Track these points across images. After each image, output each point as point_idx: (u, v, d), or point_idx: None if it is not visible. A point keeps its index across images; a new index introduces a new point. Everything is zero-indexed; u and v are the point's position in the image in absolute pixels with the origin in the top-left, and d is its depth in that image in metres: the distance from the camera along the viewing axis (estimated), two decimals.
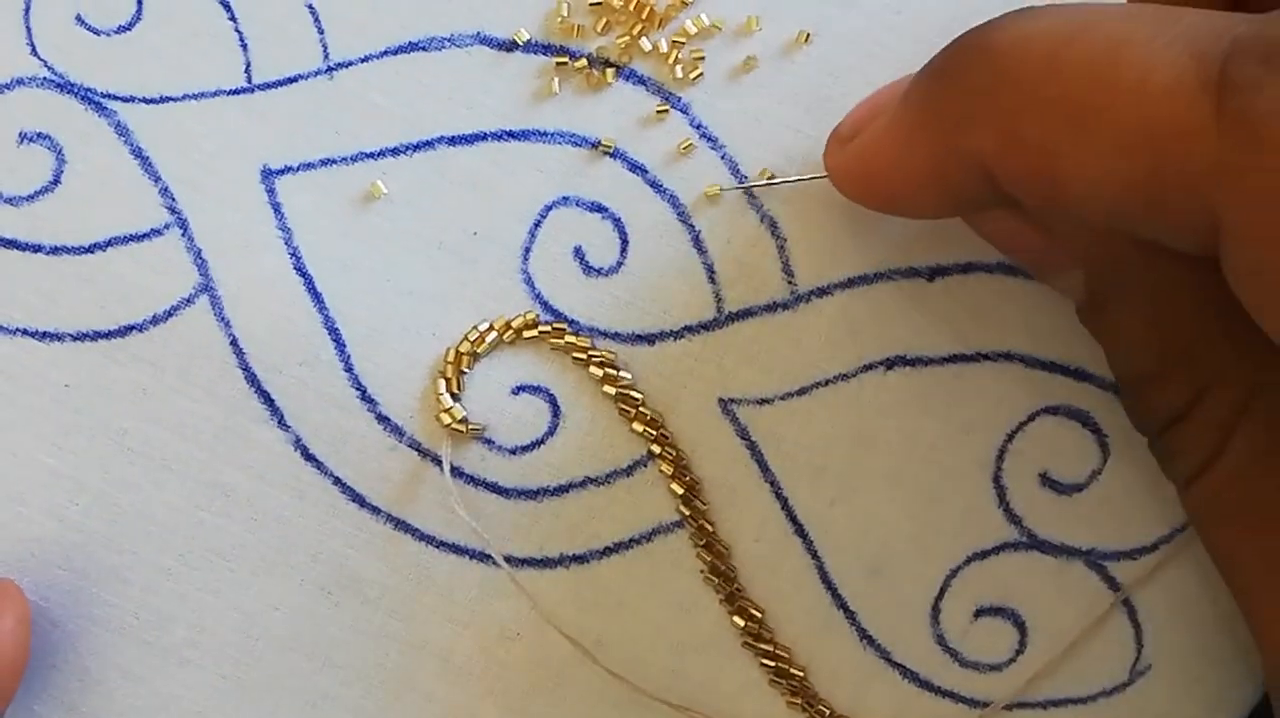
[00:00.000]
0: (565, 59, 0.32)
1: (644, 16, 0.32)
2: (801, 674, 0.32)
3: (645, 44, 0.32)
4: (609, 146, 0.32)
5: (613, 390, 0.32)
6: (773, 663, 0.31)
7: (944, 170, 0.27)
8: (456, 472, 0.32)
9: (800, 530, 0.32)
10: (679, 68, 0.32)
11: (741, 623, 0.32)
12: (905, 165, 0.27)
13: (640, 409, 0.31)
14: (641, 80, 0.32)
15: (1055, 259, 0.29)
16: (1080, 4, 0.25)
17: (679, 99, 0.32)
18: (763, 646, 0.31)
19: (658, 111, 0.32)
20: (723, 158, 0.32)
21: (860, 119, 0.29)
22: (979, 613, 0.32)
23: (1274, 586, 0.27)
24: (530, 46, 0.32)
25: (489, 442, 0.32)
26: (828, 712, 0.31)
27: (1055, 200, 0.25)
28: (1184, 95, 0.22)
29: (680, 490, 0.31)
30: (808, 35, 0.31)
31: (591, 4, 0.32)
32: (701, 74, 0.32)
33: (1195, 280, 0.27)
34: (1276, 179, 0.21)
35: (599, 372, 0.31)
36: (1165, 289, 0.27)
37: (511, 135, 0.32)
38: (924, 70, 0.27)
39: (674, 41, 0.32)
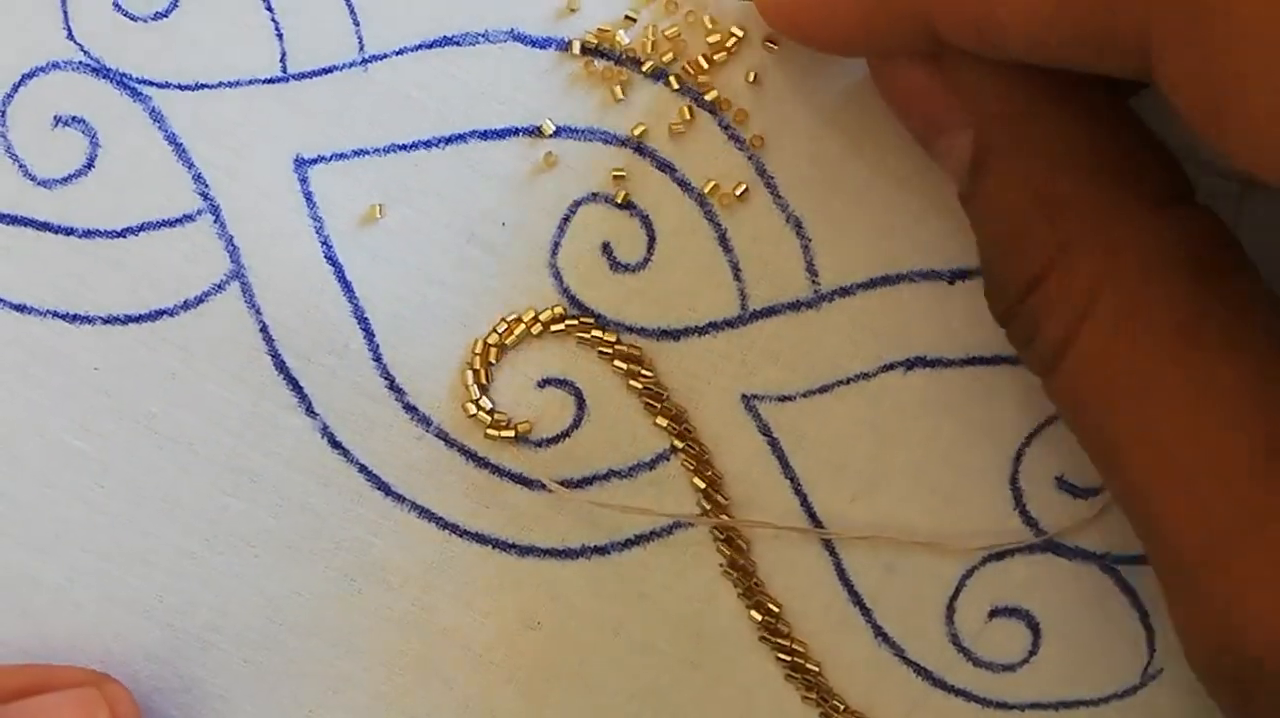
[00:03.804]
0: (597, 57, 0.32)
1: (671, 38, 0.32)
2: (817, 669, 0.31)
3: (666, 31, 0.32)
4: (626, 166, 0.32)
5: (638, 385, 0.31)
6: (789, 658, 0.31)
7: (878, 15, 0.26)
8: (482, 462, 0.31)
9: (819, 527, 0.32)
10: (708, 69, 0.32)
11: (759, 618, 0.32)
12: (838, 7, 0.27)
13: (664, 404, 0.31)
14: (670, 81, 0.32)
15: (949, 118, 0.28)
16: None
17: (710, 102, 0.32)
18: (779, 640, 0.31)
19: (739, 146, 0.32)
20: (750, 159, 0.32)
21: None
22: (993, 613, 0.32)
23: (1155, 462, 0.25)
24: (563, 44, 0.32)
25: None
26: (842, 707, 0.31)
27: (994, 40, 0.24)
28: None
29: (702, 485, 0.31)
30: None
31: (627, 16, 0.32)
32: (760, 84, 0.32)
33: (1080, 136, 0.26)
34: None
35: (624, 366, 0.31)
36: (1047, 144, 0.26)
37: (542, 131, 0.32)
38: None
39: (713, 41, 0.32)
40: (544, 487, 0.31)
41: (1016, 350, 0.28)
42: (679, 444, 0.31)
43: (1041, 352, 0.27)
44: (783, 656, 0.31)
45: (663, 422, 0.31)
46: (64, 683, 0.29)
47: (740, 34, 0.32)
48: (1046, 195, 0.26)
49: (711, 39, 0.32)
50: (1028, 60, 0.25)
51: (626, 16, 0.32)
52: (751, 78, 0.32)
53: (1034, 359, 0.27)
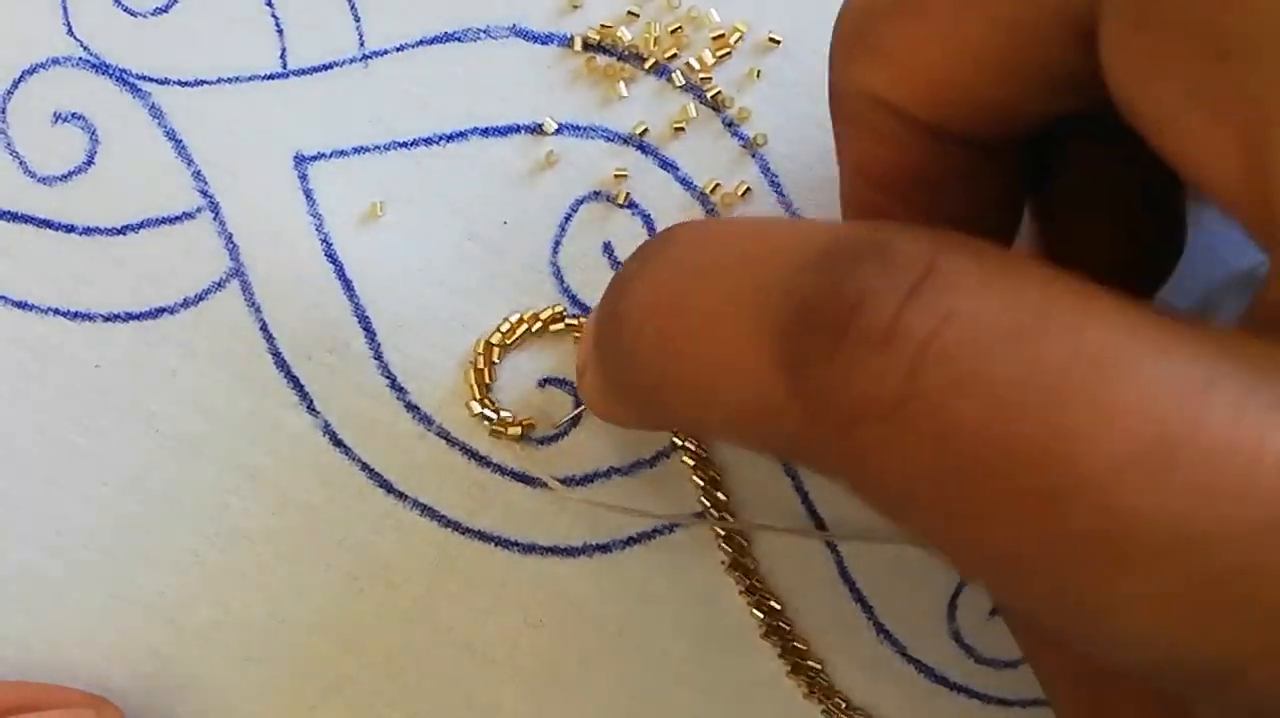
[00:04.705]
0: (599, 54, 0.32)
1: (674, 33, 0.32)
2: (819, 667, 0.31)
3: (664, 32, 0.32)
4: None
5: None
6: (790, 656, 0.31)
7: (649, 422, 0.27)
8: (484, 461, 0.31)
9: (821, 525, 0.31)
10: (710, 66, 0.32)
11: (761, 615, 0.31)
12: (615, 411, 0.27)
13: None
14: (673, 77, 0.32)
15: None
16: (712, 237, 0.23)
17: (712, 99, 0.32)
18: (781, 638, 0.31)
19: (742, 153, 0.32)
20: (753, 156, 0.31)
21: (582, 356, 0.28)
22: (994, 611, 0.31)
23: (1079, 698, 0.26)
24: (565, 41, 0.32)
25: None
26: (844, 704, 0.31)
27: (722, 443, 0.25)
28: (759, 373, 0.20)
29: (702, 483, 0.31)
30: None
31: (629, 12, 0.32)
32: (759, 78, 0.32)
33: None
34: (845, 451, 0.20)
35: None
36: None
37: (544, 129, 0.31)
38: (589, 328, 0.27)
39: (715, 38, 0.32)
40: (545, 485, 0.31)
41: None
42: (679, 442, 0.31)
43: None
44: (784, 654, 0.31)
45: None
46: (60, 703, 0.29)
47: (743, 30, 0.32)
48: None
49: (714, 35, 0.32)
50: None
51: (629, 13, 0.32)
52: (755, 75, 0.32)
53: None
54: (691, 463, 0.31)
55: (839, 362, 0.19)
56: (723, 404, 0.22)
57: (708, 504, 0.31)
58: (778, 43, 0.32)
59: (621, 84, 0.32)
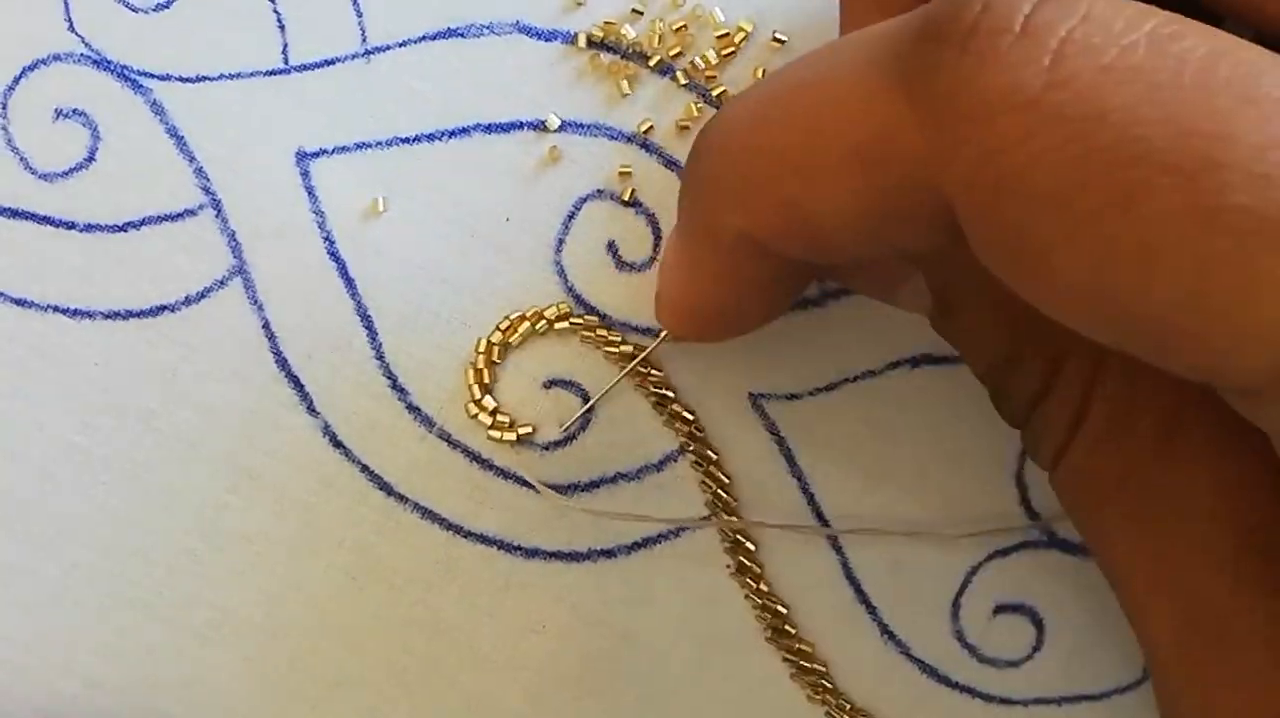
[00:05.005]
0: (604, 51, 0.31)
1: (679, 31, 0.32)
2: (824, 669, 0.31)
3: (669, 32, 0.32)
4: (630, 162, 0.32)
5: (645, 386, 0.31)
6: (795, 658, 0.31)
7: (736, 272, 0.26)
8: (486, 464, 0.31)
9: (826, 526, 0.31)
10: (715, 65, 0.31)
11: (766, 618, 0.31)
12: (708, 289, 0.26)
13: (672, 405, 0.31)
14: (678, 76, 0.31)
15: (896, 273, 0.28)
16: (787, 64, 0.24)
17: (717, 98, 0.32)
18: (787, 640, 0.31)
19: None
20: None
21: (662, 278, 0.28)
22: (998, 610, 0.31)
23: (1133, 566, 0.25)
24: (569, 38, 0.31)
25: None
26: (848, 706, 0.31)
27: (818, 247, 0.24)
28: (875, 105, 0.21)
29: (711, 486, 0.31)
30: None
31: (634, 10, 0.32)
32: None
33: None
34: (981, 148, 0.19)
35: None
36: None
37: (547, 126, 0.31)
38: (680, 192, 0.27)
39: (720, 37, 0.32)
40: (557, 489, 0.31)
41: (1028, 450, 0.28)
42: (687, 445, 0.31)
43: (1044, 457, 0.27)
44: (790, 655, 0.31)
45: (671, 423, 0.31)
46: None
47: (748, 29, 0.31)
48: (1023, 321, 0.26)
49: (719, 34, 0.31)
50: (853, 254, 0.24)
51: (633, 10, 0.31)
52: (759, 74, 0.31)
53: (1040, 459, 0.27)
54: (700, 467, 0.31)
55: (972, 56, 0.19)
56: (836, 151, 0.22)
57: (716, 508, 0.31)
58: (782, 43, 0.31)
59: (625, 82, 0.31)
